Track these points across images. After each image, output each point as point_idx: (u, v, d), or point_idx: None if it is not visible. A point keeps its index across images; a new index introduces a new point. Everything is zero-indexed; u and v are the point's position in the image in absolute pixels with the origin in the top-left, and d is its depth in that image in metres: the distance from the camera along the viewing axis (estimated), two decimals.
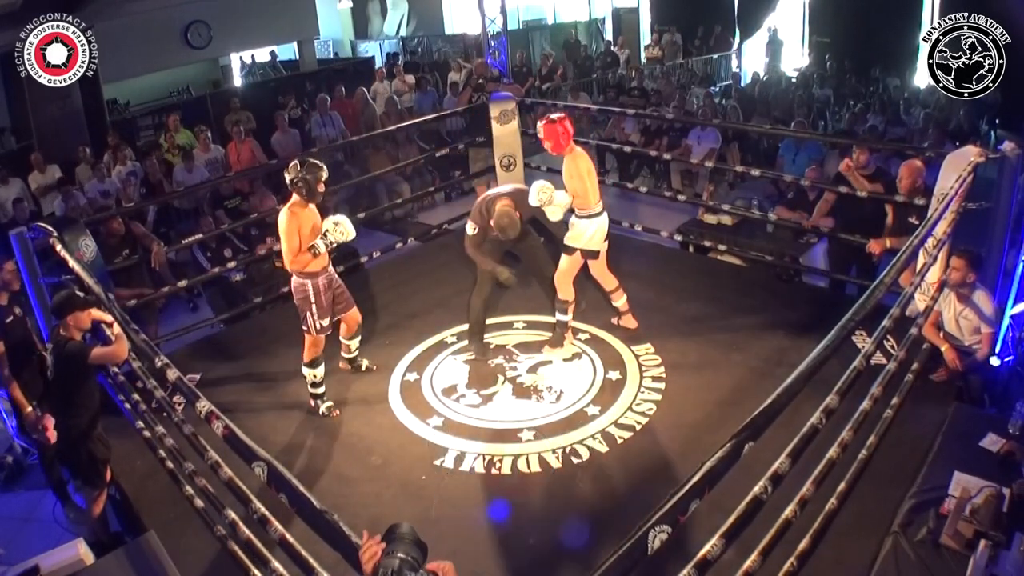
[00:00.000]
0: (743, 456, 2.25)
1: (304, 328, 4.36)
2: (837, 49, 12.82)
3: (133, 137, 9.76)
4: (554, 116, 4.61)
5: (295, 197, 4.19)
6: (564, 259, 4.75)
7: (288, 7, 13.06)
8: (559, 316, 4.88)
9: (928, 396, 4.02)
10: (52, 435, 3.88)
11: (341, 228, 4.21)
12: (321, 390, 4.47)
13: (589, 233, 4.65)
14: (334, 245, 4.22)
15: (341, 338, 4.69)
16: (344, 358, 4.82)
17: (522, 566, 3.33)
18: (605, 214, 4.71)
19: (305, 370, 4.43)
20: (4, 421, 4.75)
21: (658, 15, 14.80)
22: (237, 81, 13.62)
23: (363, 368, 4.85)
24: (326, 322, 4.34)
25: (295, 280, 4.30)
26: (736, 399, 4.21)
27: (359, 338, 4.76)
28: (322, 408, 4.45)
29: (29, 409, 4.11)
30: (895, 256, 3.43)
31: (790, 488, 2.59)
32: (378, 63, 13.71)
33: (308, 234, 4.16)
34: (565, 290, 4.78)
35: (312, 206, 4.23)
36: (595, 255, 4.77)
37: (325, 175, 4.20)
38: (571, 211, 4.68)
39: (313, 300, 4.27)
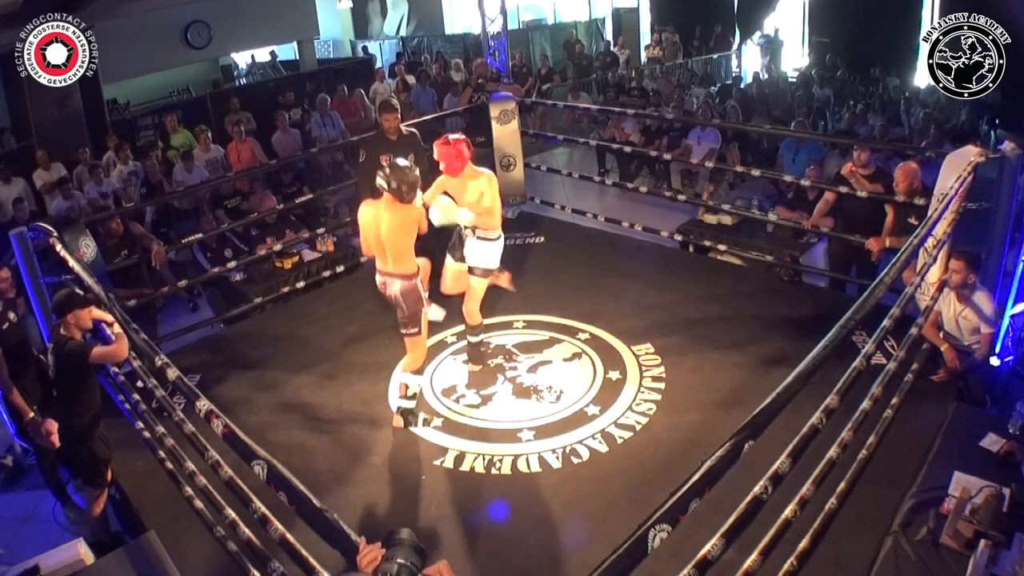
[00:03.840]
0: (743, 456, 2.25)
1: (414, 332, 4.12)
2: (837, 49, 12.81)
3: (133, 137, 9.76)
4: (452, 137, 4.32)
5: (388, 198, 3.91)
6: (480, 283, 4.57)
7: (288, 7, 13.06)
8: (472, 339, 4.74)
9: (928, 396, 4.02)
10: (56, 440, 3.87)
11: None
12: (414, 404, 4.30)
13: (499, 253, 4.52)
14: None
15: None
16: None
17: (522, 566, 3.33)
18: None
19: (411, 379, 4.20)
20: (5, 422, 4.75)
21: (658, 15, 14.80)
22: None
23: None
24: None
25: (404, 285, 4.01)
26: (736, 399, 4.21)
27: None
28: (421, 418, 4.28)
29: (31, 415, 4.10)
30: (895, 256, 3.43)
31: (790, 488, 2.59)
32: (378, 63, 13.71)
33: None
34: (478, 316, 4.67)
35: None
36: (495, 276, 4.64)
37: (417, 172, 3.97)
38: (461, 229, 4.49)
39: (425, 296, 4.15)
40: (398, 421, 4.28)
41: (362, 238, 4.16)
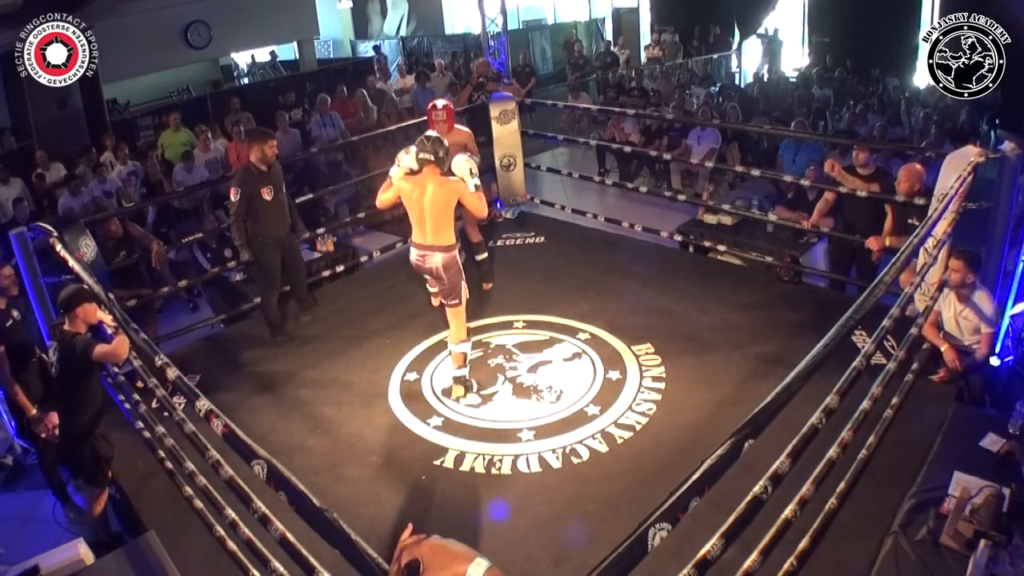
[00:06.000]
0: (743, 456, 2.25)
1: (455, 303, 4.34)
2: (837, 49, 12.81)
3: (133, 137, 9.77)
4: (439, 103, 5.36)
5: (431, 169, 4.16)
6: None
7: (288, 7, 13.08)
8: (479, 256, 5.70)
9: (928, 396, 4.02)
10: (57, 431, 3.88)
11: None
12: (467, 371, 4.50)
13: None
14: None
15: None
16: None
17: (522, 566, 3.33)
18: None
19: (466, 347, 4.45)
20: (4, 422, 4.75)
21: (658, 15, 14.81)
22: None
23: None
24: None
25: (447, 257, 4.24)
26: (736, 399, 4.21)
27: None
28: (475, 387, 4.50)
29: (34, 411, 4.11)
30: (895, 256, 3.43)
31: (790, 488, 2.59)
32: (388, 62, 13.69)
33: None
34: (478, 234, 5.70)
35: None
36: None
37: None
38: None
39: (463, 268, 4.36)
40: (458, 391, 4.45)
41: (387, 200, 4.33)
